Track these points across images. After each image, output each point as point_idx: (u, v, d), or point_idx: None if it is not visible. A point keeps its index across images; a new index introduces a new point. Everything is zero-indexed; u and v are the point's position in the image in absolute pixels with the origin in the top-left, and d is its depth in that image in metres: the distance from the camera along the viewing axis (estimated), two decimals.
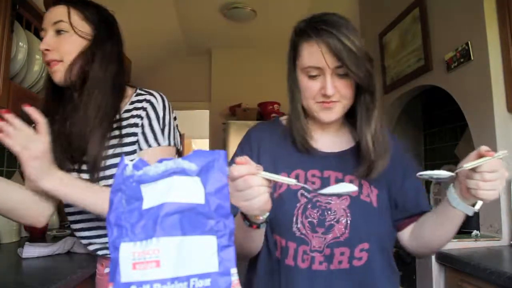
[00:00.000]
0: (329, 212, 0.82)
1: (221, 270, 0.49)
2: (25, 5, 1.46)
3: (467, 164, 0.69)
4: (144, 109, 0.98)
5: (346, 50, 0.77)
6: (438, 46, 1.96)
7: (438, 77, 1.96)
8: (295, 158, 0.89)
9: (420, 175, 0.71)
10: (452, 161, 2.30)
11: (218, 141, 4.29)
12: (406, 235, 0.90)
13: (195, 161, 0.52)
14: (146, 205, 0.49)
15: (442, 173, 0.70)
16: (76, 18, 0.96)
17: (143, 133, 0.96)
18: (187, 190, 0.50)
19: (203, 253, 0.49)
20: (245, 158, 0.62)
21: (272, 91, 4.26)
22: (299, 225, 0.82)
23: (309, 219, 0.82)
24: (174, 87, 4.38)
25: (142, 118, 0.97)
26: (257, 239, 0.82)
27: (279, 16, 3.45)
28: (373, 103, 0.85)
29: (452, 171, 0.71)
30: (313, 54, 0.80)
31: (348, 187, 0.66)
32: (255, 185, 0.60)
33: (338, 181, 0.85)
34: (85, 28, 0.97)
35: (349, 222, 0.82)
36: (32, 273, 1.07)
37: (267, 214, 0.70)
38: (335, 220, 0.82)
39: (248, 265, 0.94)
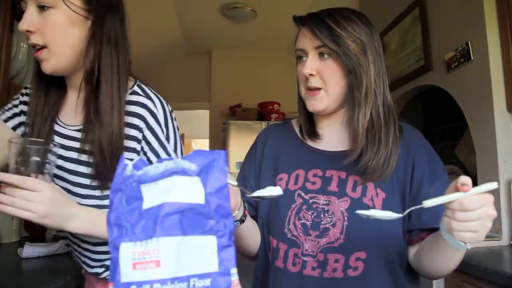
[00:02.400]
0: (326, 215, 0.78)
1: (221, 270, 0.49)
2: None
3: (429, 201, 0.56)
4: (144, 120, 0.79)
5: (326, 27, 0.79)
6: (438, 46, 1.96)
7: (438, 77, 1.96)
8: (297, 158, 0.88)
9: (357, 213, 0.62)
10: (452, 161, 2.30)
11: (218, 141, 4.29)
12: (412, 252, 0.80)
13: (195, 161, 0.52)
14: (146, 205, 0.49)
15: (384, 214, 0.59)
16: None
17: (148, 159, 0.81)
18: (187, 190, 0.50)
19: (203, 253, 0.49)
20: None
21: (272, 91, 4.27)
22: (291, 227, 0.80)
23: (302, 221, 0.79)
24: (174, 87, 4.38)
25: (141, 130, 0.79)
26: (242, 238, 0.81)
27: (279, 16, 3.45)
28: (360, 87, 0.79)
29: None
30: (300, 37, 0.85)
31: (274, 190, 0.62)
32: None
33: (340, 180, 0.81)
34: (75, 1, 0.75)
35: (345, 226, 0.76)
36: (32, 273, 1.07)
37: (237, 212, 0.69)
38: (331, 223, 0.77)
39: None
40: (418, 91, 2.28)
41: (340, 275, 0.76)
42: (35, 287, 0.91)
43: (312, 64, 0.81)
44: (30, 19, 0.72)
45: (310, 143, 0.90)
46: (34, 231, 1.64)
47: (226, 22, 3.71)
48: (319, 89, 0.82)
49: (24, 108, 0.88)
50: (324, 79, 0.81)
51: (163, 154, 0.80)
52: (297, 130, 0.94)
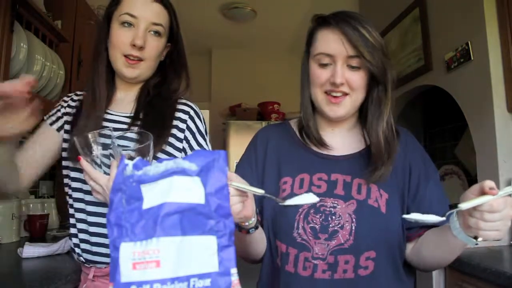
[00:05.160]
0: (333, 217, 0.79)
1: (221, 270, 0.49)
2: (25, 5, 1.46)
3: (465, 204, 0.61)
4: (189, 114, 1.01)
5: (363, 39, 0.77)
6: (438, 46, 1.96)
7: (438, 77, 1.96)
8: (301, 162, 0.87)
9: (404, 218, 0.65)
10: (452, 161, 2.30)
11: (218, 141, 4.29)
12: (409, 247, 0.84)
13: (195, 161, 0.52)
14: (146, 205, 0.49)
15: (429, 218, 0.63)
16: (169, 24, 1.00)
17: (190, 146, 0.98)
18: (187, 190, 0.50)
19: (203, 253, 0.49)
20: None
21: (272, 91, 4.26)
22: (300, 231, 0.80)
23: (311, 225, 0.79)
24: None
25: (185, 122, 0.99)
26: (254, 244, 0.81)
27: (279, 16, 3.45)
28: (386, 98, 0.82)
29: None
30: (327, 40, 0.81)
31: (309, 198, 0.63)
32: None
33: (346, 184, 0.82)
34: (166, 31, 1.01)
35: (354, 228, 0.78)
36: (32, 273, 1.07)
37: (253, 219, 0.69)
38: (339, 226, 0.78)
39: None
40: (418, 91, 2.28)
41: (351, 276, 0.77)
42: (35, 287, 0.91)
43: (341, 72, 0.79)
44: (143, 38, 0.93)
45: (312, 146, 0.89)
46: (34, 231, 1.64)
47: (226, 22, 3.71)
48: (346, 95, 0.82)
49: (67, 110, 1.03)
50: (352, 86, 0.81)
51: (203, 143, 0.99)
52: (296, 132, 0.93)
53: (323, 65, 0.81)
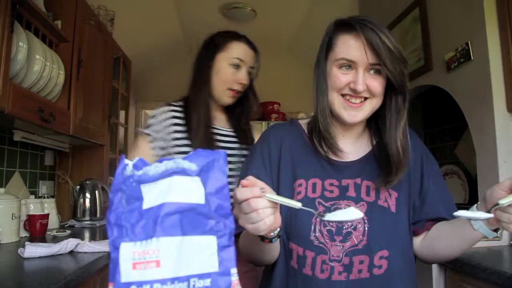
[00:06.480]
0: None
1: (221, 270, 0.49)
2: (25, 5, 1.46)
3: (504, 201, 0.65)
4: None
5: (385, 47, 0.78)
6: (438, 46, 1.96)
7: (438, 77, 1.96)
8: (313, 166, 0.87)
9: (458, 216, 0.68)
10: (452, 161, 2.30)
11: None
12: (418, 241, 0.87)
13: (195, 161, 0.52)
14: (146, 205, 0.49)
15: (479, 215, 0.68)
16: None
17: None
18: (187, 190, 0.50)
19: (203, 253, 0.49)
20: (249, 181, 0.60)
21: (272, 91, 4.26)
22: (317, 234, 0.80)
23: (328, 227, 0.79)
24: (174, 87, 4.36)
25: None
26: (272, 251, 0.81)
27: (279, 16, 3.45)
28: (404, 105, 0.84)
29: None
30: (350, 47, 0.80)
31: (354, 214, 0.63)
32: (259, 208, 0.58)
33: (356, 186, 0.83)
34: None
35: (366, 228, 0.79)
36: (32, 273, 1.07)
37: (278, 229, 0.69)
38: (352, 227, 0.79)
39: (264, 271, 0.93)
40: (418, 91, 2.28)
41: (366, 275, 0.78)
42: (35, 287, 0.91)
43: (363, 79, 0.80)
44: (247, 78, 1.32)
45: (322, 151, 0.88)
46: (34, 231, 1.64)
47: (226, 22, 3.71)
48: (365, 99, 0.82)
49: (169, 123, 1.30)
50: (372, 92, 0.81)
51: None
52: (307, 134, 0.92)
53: (345, 70, 0.82)
